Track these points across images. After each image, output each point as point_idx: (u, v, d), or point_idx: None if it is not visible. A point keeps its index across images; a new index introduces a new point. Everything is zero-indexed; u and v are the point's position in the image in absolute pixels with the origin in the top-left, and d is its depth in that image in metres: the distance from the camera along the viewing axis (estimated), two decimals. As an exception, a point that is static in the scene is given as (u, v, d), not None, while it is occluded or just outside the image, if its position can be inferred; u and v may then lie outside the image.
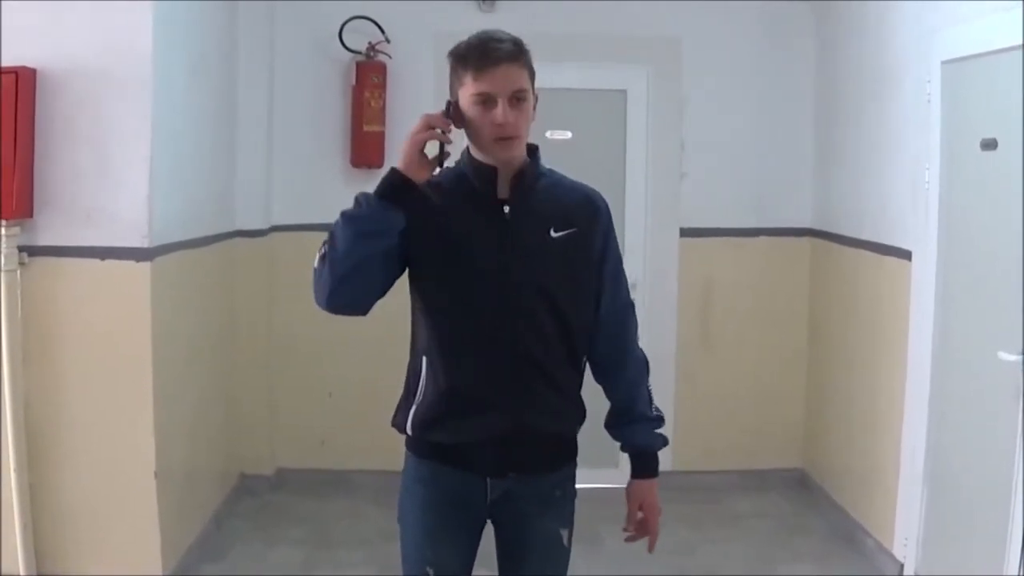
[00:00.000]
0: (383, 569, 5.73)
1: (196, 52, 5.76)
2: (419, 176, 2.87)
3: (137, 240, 4.89)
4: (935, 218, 5.22)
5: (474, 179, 3.06)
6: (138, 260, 4.90)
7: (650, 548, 3.35)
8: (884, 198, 5.91)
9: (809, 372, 7.16)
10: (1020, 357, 4.34)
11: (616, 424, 3.33)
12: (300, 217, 6.86)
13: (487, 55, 2.92)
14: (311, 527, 6.36)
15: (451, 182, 3.07)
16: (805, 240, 7.13)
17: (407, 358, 3.22)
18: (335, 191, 6.86)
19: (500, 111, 2.93)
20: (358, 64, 6.78)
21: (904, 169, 5.61)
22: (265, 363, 6.94)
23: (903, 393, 5.53)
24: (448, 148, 2.93)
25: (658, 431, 3.34)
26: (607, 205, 3.24)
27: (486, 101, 2.93)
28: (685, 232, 7.09)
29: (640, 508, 3.34)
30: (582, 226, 3.13)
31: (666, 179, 7.08)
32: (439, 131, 2.89)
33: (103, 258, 4.88)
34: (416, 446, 3.19)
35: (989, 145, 4.73)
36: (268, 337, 6.93)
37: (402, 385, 3.23)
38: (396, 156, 6.84)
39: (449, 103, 3.01)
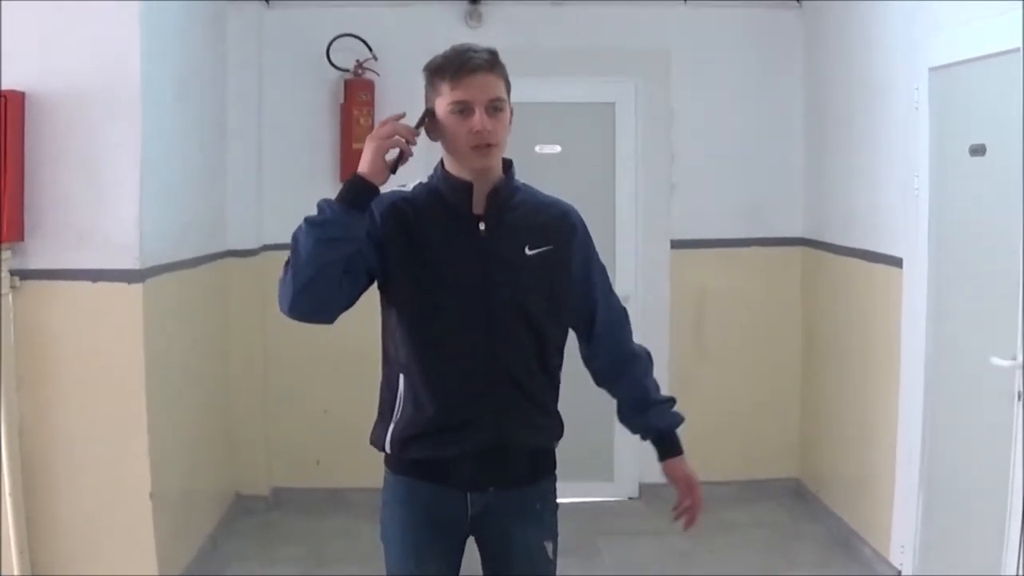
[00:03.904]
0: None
1: (184, 73, 5.76)
2: (379, 180, 2.89)
3: (129, 262, 4.88)
4: (925, 224, 5.24)
5: (448, 195, 3.07)
6: (130, 282, 4.89)
7: (693, 522, 3.39)
8: (874, 205, 5.92)
9: (803, 381, 7.16)
10: (1013, 362, 4.35)
11: (633, 414, 3.36)
12: (291, 236, 6.84)
13: (465, 64, 2.95)
14: (307, 546, 6.35)
15: (424, 198, 3.09)
16: (796, 249, 7.14)
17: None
18: (326, 209, 6.86)
19: (478, 118, 2.94)
20: (346, 82, 6.79)
21: (894, 176, 5.62)
22: (259, 383, 6.93)
23: (897, 400, 5.53)
24: (407, 155, 2.95)
25: (675, 410, 3.40)
26: (582, 220, 3.26)
27: (463, 110, 2.94)
28: (676, 244, 7.10)
29: (687, 486, 3.38)
30: (558, 243, 3.15)
31: (656, 191, 7.09)
32: (403, 140, 2.90)
33: (95, 280, 4.87)
34: (394, 463, 3.20)
35: (978, 151, 4.75)
36: (262, 356, 6.92)
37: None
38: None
39: (426, 112, 3.02)
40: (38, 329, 4.86)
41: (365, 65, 6.78)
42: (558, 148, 7.03)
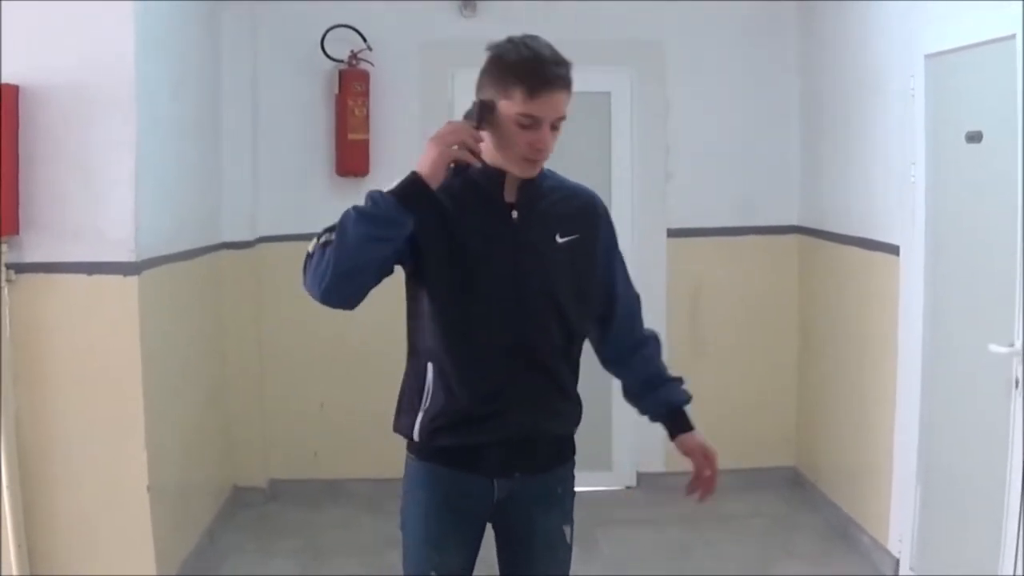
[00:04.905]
0: (379, 577, 5.74)
1: (179, 65, 5.75)
2: (435, 185, 2.84)
3: (124, 254, 4.87)
4: (922, 212, 5.23)
5: (481, 182, 3.03)
6: (125, 275, 4.88)
7: (711, 492, 3.39)
8: (871, 193, 5.92)
9: (800, 369, 7.16)
10: (1011, 349, 4.34)
11: (645, 392, 3.39)
12: (286, 228, 6.85)
13: (546, 80, 2.91)
14: (306, 537, 6.35)
15: (456, 184, 3.03)
16: (793, 238, 7.13)
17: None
18: (321, 201, 6.86)
19: (544, 136, 2.93)
20: (341, 73, 6.77)
21: (890, 164, 5.62)
22: (256, 374, 6.93)
23: (894, 388, 5.53)
24: (473, 165, 2.92)
25: (685, 387, 3.41)
26: (606, 208, 3.29)
27: (531, 124, 2.91)
28: (672, 233, 7.09)
29: (704, 456, 3.35)
30: (585, 231, 3.17)
31: (652, 180, 7.08)
32: (468, 152, 2.86)
33: (90, 273, 4.86)
34: (421, 449, 3.17)
35: (974, 138, 4.74)
36: (258, 348, 6.92)
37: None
38: (382, 164, 6.80)
39: (483, 104, 2.96)
40: (34, 323, 4.84)
41: (360, 56, 6.76)
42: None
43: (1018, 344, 4.31)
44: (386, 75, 6.79)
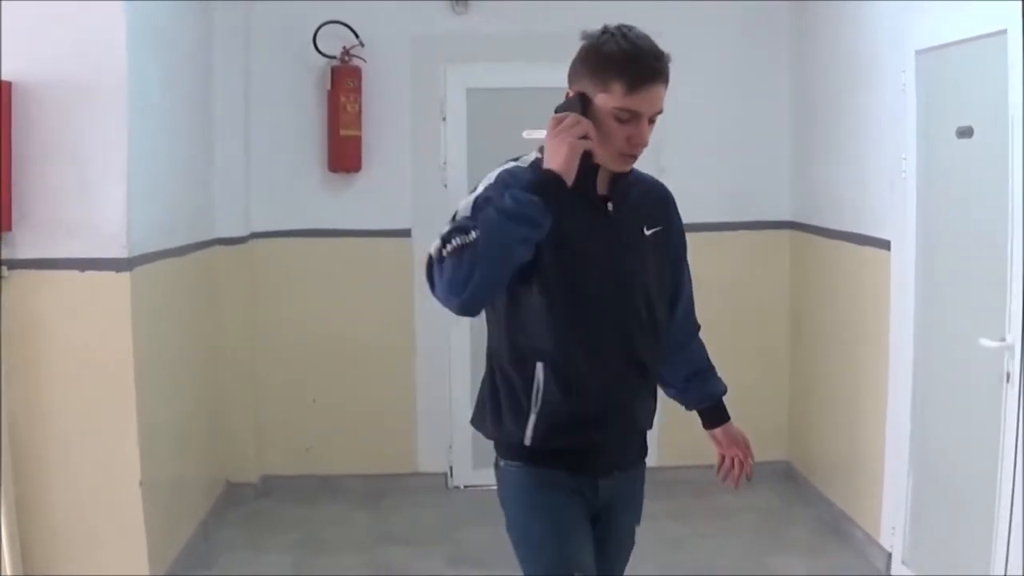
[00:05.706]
0: (373, 572, 5.73)
1: (171, 61, 5.75)
2: (571, 178, 2.76)
3: (116, 250, 4.87)
4: (913, 207, 5.24)
5: (578, 175, 2.86)
6: (118, 271, 4.88)
7: (749, 476, 3.52)
8: (862, 188, 5.93)
9: (792, 364, 7.17)
10: (1002, 343, 4.36)
11: (692, 384, 3.44)
12: (279, 223, 6.86)
13: (645, 74, 2.85)
14: (299, 533, 6.35)
15: None
16: (785, 232, 7.14)
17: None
18: (313, 197, 6.88)
19: (642, 131, 2.87)
20: (333, 69, 6.77)
21: (881, 159, 5.63)
22: (248, 370, 6.93)
23: (886, 382, 5.54)
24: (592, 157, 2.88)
25: (720, 377, 3.53)
26: (674, 198, 3.32)
27: (629, 119, 2.85)
28: (665, 228, 7.08)
29: (736, 445, 3.48)
30: (664, 224, 3.18)
31: (644, 175, 7.07)
32: (591, 142, 2.81)
33: (83, 269, 4.85)
34: (528, 454, 3.04)
35: (965, 133, 4.75)
36: (251, 344, 6.92)
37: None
38: (374, 160, 6.78)
39: (581, 98, 2.89)
40: (27, 319, 4.84)
41: (352, 52, 6.76)
42: (544, 133, 7.01)
43: (1009, 338, 4.33)
44: (378, 71, 6.79)
